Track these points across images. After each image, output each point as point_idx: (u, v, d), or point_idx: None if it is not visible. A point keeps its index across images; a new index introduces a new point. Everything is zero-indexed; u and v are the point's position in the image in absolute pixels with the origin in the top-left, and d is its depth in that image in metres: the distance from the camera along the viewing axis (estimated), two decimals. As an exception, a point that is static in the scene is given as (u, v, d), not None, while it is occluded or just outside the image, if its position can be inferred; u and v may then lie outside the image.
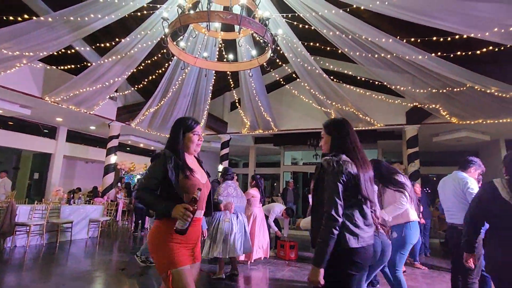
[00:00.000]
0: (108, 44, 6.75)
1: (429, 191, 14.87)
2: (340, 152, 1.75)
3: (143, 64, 7.60)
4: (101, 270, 4.76)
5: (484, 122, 8.35)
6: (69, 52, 7.39)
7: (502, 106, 7.41)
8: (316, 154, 15.16)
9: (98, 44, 7.07)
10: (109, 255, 5.91)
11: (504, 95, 6.82)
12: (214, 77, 8.11)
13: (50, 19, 5.60)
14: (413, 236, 3.08)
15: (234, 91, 9.41)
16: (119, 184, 10.51)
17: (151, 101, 9.08)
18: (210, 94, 8.99)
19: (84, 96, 8.12)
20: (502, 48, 5.56)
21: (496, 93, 6.84)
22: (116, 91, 9.57)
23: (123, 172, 14.34)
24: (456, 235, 3.10)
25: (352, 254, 1.63)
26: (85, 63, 7.84)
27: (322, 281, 1.57)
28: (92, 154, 12.51)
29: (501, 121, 8.10)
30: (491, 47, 5.62)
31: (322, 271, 1.57)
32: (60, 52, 6.94)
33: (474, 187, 3.00)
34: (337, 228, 1.59)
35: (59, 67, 7.91)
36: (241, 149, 14.36)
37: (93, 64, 7.35)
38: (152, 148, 15.30)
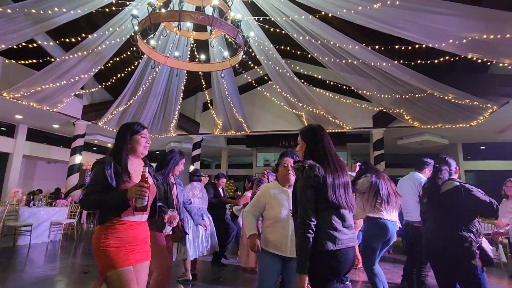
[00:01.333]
0: (74, 40, 6.48)
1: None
2: (310, 158, 1.78)
3: (111, 61, 7.37)
4: (62, 274, 4.54)
5: (443, 127, 8.92)
6: (30, 46, 7.00)
7: (458, 112, 7.95)
8: (288, 155, 15.43)
9: (63, 39, 6.77)
10: (72, 258, 5.66)
11: (459, 101, 7.32)
12: (186, 77, 8.02)
13: (9, 10, 5.29)
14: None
15: (206, 92, 9.35)
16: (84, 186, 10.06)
17: (119, 99, 8.81)
18: (182, 94, 8.88)
19: (47, 92, 7.72)
20: (457, 58, 5.99)
21: (452, 100, 7.33)
22: (82, 88, 9.20)
23: (89, 173, 13.76)
24: (412, 231, 3.32)
25: (329, 258, 1.62)
26: (48, 58, 7.47)
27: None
28: (55, 154, 11.89)
29: (458, 126, 8.67)
30: (447, 57, 6.04)
31: (307, 277, 1.60)
32: (20, 46, 6.57)
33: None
34: (310, 231, 1.61)
35: (19, 62, 7.47)
36: (213, 150, 14.28)
37: (57, 59, 7.02)
38: (121, 148, 14.82)
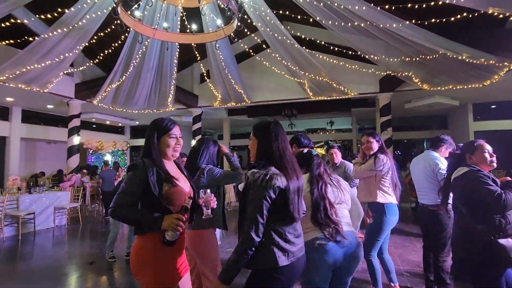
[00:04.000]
0: (56, 14, 5.92)
1: (400, 153, 15.46)
2: (267, 161, 1.57)
3: (97, 37, 6.82)
4: (69, 265, 4.49)
5: (454, 88, 8.46)
6: (8, 24, 6.45)
7: (472, 72, 7.46)
8: (291, 124, 15.08)
9: (43, 15, 6.20)
10: (78, 244, 5.63)
11: (474, 61, 6.82)
12: (178, 49, 7.45)
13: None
14: None
15: (201, 64, 8.80)
16: (84, 170, 9.94)
17: (111, 76, 8.35)
18: (176, 67, 8.36)
19: (34, 73, 7.28)
20: (476, 14, 5.42)
21: (467, 60, 6.82)
22: (72, 66, 8.72)
23: (91, 152, 13.66)
24: (427, 215, 3.09)
25: (278, 272, 1.50)
26: (34, 37, 6.93)
27: None
28: (54, 134, 11.66)
29: (469, 86, 8.21)
30: (465, 14, 5.46)
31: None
32: (2, 25, 6.04)
33: (445, 167, 2.92)
34: (252, 249, 1.46)
35: (1, 42, 6.96)
36: (215, 121, 13.96)
37: (41, 36, 6.51)
38: (120, 124, 14.54)
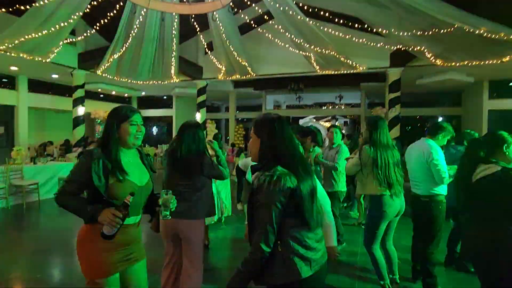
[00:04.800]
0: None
1: (409, 128, 15.05)
2: (273, 162, 1.37)
3: (95, 3, 6.58)
4: (72, 231, 4.67)
5: (470, 64, 7.97)
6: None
7: (490, 47, 6.97)
8: (299, 97, 14.74)
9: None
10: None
11: (493, 35, 6.33)
12: (176, 20, 7.14)
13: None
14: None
15: (201, 35, 8.48)
16: (92, 143, 10.07)
17: (113, 46, 8.19)
18: (175, 39, 8.04)
19: (34, 42, 7.18)
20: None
21: (484, 34, 6.35)
22: (74, 34, 8.56)
23: (99, 121, 13.81)
24: (418, 205, 3.00)
25: (303, 285, 1.33)
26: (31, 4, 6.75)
27: None
28: (61, 103, 11.77)
29: (486, 62, 7.72)
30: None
31: None
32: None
33: (439, 157, 2.78)
34: (263, 259, 1.31)
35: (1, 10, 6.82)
36: (221, 94, 13.77)
37: (36, 4, 6.34)
38: (126, 95, 14.52)
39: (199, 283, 2.38)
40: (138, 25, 7.02)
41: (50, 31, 6.62)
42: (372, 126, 2.76)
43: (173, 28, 7.34)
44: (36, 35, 6.75)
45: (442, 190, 2.88)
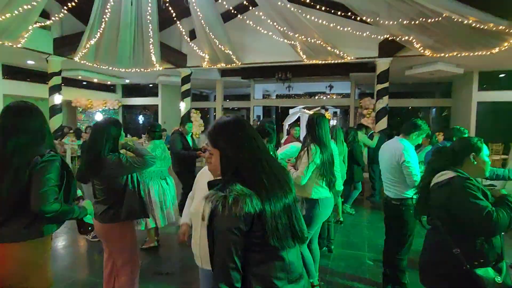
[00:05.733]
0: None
1: (398, 119, 14.89)
2: (233, 178, 1.10)
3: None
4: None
5: (459, 55, 7.75)
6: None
7: (479, 38, 6.74)
8: (288, 86, 14.43)
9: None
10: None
11: (482, 26, 6.10)
12: (151, 4, 6.72)
13: None
14: None
15: (179, 22, 8.06)
16: (71, 131, 9.72)
17: (88, 31, 7.76)
18: (150, 25, 7.60)
19: (1, 26, 6.75)
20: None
21: (473, 24, 6.11)
22: (48, 18, 8.07)
23: (80, 110, 13.40)
24: (389, 209, 2.82)
25: None
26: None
27: None
28: (39, 91, 11.26)
29: (476, 54, 7.51)
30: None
31: None
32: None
33: (411, 159, 2.57)
34: None
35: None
36: (208, 82, 13.39)
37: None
38: (109, 83, 14.03)
39: (130, 285, 2.31)
40: (109, 9, 6.60)
41: (14, 14, 6.18)
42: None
43: (148, 14, 6.91)
44: (3, 17, 6.31)
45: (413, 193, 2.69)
